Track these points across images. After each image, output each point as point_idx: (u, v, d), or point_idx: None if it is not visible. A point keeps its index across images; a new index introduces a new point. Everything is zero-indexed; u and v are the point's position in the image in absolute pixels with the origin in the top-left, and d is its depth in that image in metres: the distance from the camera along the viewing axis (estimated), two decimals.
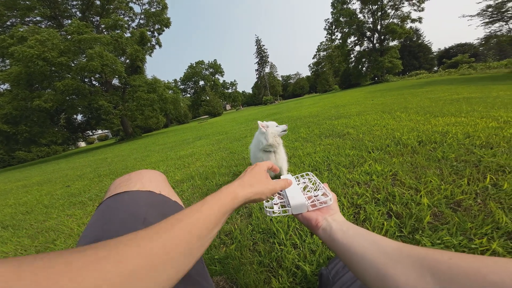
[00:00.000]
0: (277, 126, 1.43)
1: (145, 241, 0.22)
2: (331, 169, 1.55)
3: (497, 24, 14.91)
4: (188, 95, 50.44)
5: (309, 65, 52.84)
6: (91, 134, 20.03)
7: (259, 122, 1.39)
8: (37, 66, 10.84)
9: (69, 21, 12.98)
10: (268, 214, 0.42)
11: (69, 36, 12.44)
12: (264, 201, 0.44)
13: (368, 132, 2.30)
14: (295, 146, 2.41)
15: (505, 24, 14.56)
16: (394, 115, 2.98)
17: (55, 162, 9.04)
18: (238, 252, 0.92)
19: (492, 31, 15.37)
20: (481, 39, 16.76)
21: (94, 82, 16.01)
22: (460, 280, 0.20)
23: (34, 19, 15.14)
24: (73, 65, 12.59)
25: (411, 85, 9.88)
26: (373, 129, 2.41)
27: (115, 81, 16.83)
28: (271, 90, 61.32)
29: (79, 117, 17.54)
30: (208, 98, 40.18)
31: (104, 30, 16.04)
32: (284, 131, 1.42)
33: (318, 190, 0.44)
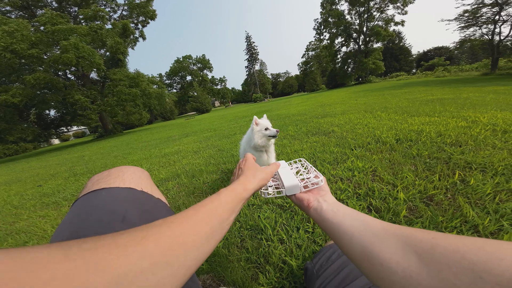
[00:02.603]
0: (267, 129, 1.30)
1: (175, 224, 0.25)
2: (317, 166, 1.58)
3: (471, 29, 16.11)
4: (175, 91, 48.32)
5: (298, 64, 53.45)
6: (65, 131, 18.40)
7: (255, 117, 1.34)
8: (4, 59, 9.89)
9: (43, 11, 11.88)
10: (263, 195, 0.44)
11: (42, 27, 11.41)
12: None
13: (351, 130, 2.39)
14: (283, 144, 2.43)
15: (479, 29, 15.75)
16: (375, 114, 3.13)
17: (24, 160, 8.29)
18: (226, 249, 0.91)
19: (466, 36, 16.59)
20: (456, 43, 18.05)
21: (69, 76, 14.83)
22: (441, 258, 0.21)
23: (3, 9, 13.74)
24: (45, 57, 11.57)
25: (392, 86, 10.43)
26: (356, 127, 2.50)
27: (93, 75, 15.73)
28: (261, 87, 61.16)
29: (52, 112, 16.18)
30: (195, 94, 38.88)
31: (82, 21, 14.87)
32: (272, 136, 1.29)
33: (310, 173, 0.47)
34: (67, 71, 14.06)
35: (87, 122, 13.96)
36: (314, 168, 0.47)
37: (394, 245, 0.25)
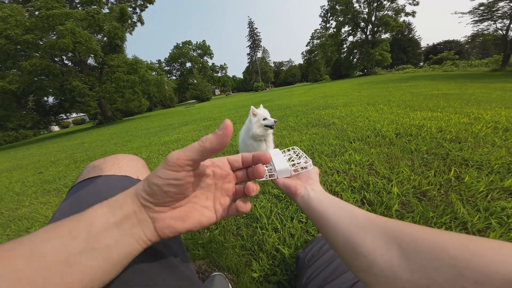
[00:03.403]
0: (265, 119, 1.29)
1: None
2: (315, 158, 1.59)
3: (485, 23, 15.37)
4: (174, 78, 46.99)
5: (302, 53, 51.88)
6: (65, 117, 18.42)
7: (252, 107, 1.33)
8: None
9: None
10: (256, 179, 0.45)
11: (37, 12, 10.99)
12: None
13: (352, 123, 2.37)
14: (282, 135, 2.42)
15: (493, 23, 15.06)
16: (378, 107, 3.08)
17: (25, 147, 8.32)
18: (222, 236, 0.94)
19: (479, 30, 15.88)
20: (468, 37, 17.31)
21: (66, 62, 14.50)
22: (423, 252, 0.21)
23: None
24: (41, 43, 11.25)
25: (397, 79, 10.18)
26: (356, 120, 2.48)
27: (91, 61, 15.38)
28: (263, 76, 59.74)
29: (50, 99, 15.98)
30: (195, 81, 38.01)
31: (79, 6, 14.27)
32: (269, 126, 1.27)
33: (301, 158, 0.49)
34: (64, 57, 13.75)
35: (86, 109, 13.84)
36: (305, 155, 0.49)
37: (378, 237, 0.25)
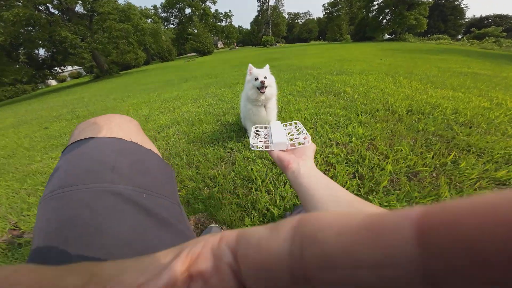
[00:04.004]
0: (256, 79, 1.16)
1: None
2: (317, 127, 1.56)
3: None
4: (172, 26, 41.28)
5: (323, 5, 43.80)
6: (60, 71, 17.33)
7: (250, 65, 1.22)
8: None
9: None
10: (252, 148, 0.46)
11: None
12: (250, 138, 0.50)
13: (364, 94, 2.22)
14: (288, 100, 2.31)
15: None
16: (397, 79, 2.83)
17: (26, 102, 8.07)
18: (220, 194, 1.02)
19: None
20: None
21: (52, 10, 12.86)
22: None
23: None
24: None
25: (427, 50, 9.02)
26: (370, 91, 2.32)
27: (79, 8, 13.61)
28: (274, 29, 52.15)
29: (42, 52, 14.83)
30: (196, 31, 33.62)
31: None
32: (262, 86, 1.15)
33: (301, 134, 0.49)
34: (49, 5, 12.10)
35: (80, 62, 13.01)
36: (305, 131, 0.48)
37: None
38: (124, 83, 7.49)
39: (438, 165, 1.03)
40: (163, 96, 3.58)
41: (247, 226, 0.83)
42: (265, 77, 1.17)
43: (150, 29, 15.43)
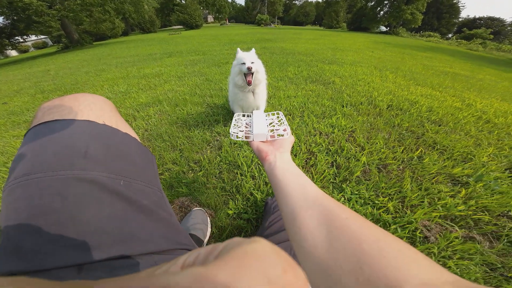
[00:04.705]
0: (243, 64, 1.10)
1: None
2: (303, 116, 1.59)
3: None
4: None
5: None
6: (21, 40, 14.67)
7: (238, 49, 1.16)
8: None
9: None
10: (232, 137, 0.46)
11: None
12: (231, 127, 0.49)
13: (351, 86, 2.27)
14: (278, 86, 2.29)
15: None
16: (383, 73, 2.91)
17: None
18: (205, 178, 1.03)
19: None
20: None
21: None
22: (343, 239, 0.23)
23: None
24: None
25: (416, 46, 9.22)
26: (357, 83, 2.38)
27: None
28: (270, 8, 49.22)
29: (0, 19, 12.47)
30: (183, 2, 30.51)
31: None
32: (249, 73, 1.10)
33: (281, 125, 0.50)
34: None
35: (46, 31, 11.13)
36: (286, 123, 0.49)
37: (316, 214, 0.27)
38: (98, 55, 6.75)
39: (405, 159, 1.13)
40: (143, 71, 3.32)
41: (230, 209, 0.87)
42: (252, 62, 1.12)
43: None
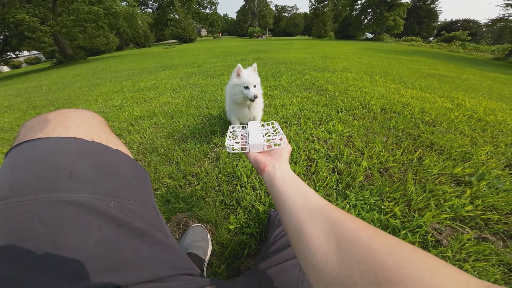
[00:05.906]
0: (247, 88, 1.07)
1: None
2: (300, 123, 1.59)
3: None
4: (150, 10, 38.37)
5: (311, 0, 44.18)
6: (13, 56, 14.70)
7: (239, 65, 1.10)
8: None
9: None
10: (228, 150, 0.45)
11: None
12: (226, 140, 0.48)
13: (344, 91, 2.32)
14: (273, 95, 2.32)
15: None
16: (373, 78, 3.00)
17: None
18: (203, 191, 0.99)
19: (506, 15, 14.70)
20: (490, 20, 16.12)
21: None
22: (355, 252, 0.21)
23: None
24: None
25: (401, 51, 9.65)
26: (349, 89, 2.42)
27: None
28: (260, 20, 51.42)
29: None
30: (177, 16, 31.44)
31: None
32: (249, 99, 1.10)
33: (277, 135, 0.49)
34: None
35: (39, 46, 11.09)
36: (282, 132, 0.49)
37: (323, 227, 0.25)
38: (92, 69, 6.76)
39: (406, 161, 1.12)
40: (138, 84, 3.32)
41: (232, 224, 0.83)
42: (254, 86, 1.10)
43: (125, 12, 14.04)
